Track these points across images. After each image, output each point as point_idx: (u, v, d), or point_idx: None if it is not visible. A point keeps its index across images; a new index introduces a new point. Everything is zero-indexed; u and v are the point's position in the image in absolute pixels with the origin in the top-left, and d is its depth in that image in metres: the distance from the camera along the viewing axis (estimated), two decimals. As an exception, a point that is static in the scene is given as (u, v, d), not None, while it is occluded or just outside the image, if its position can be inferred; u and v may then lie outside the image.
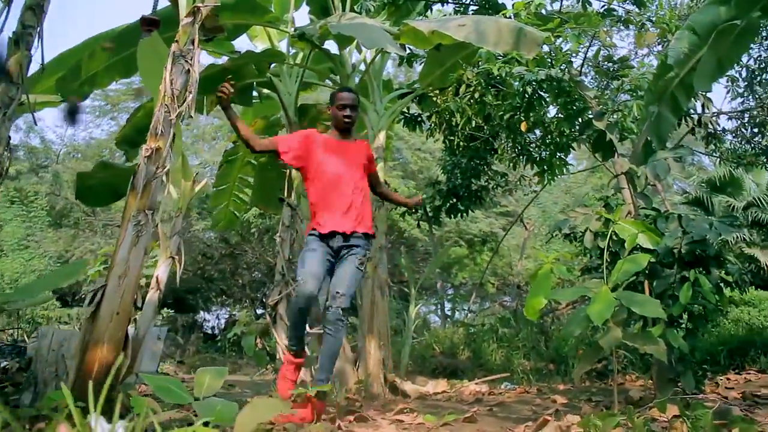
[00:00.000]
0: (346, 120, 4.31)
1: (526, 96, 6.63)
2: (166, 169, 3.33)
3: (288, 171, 7.21)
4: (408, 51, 7.95)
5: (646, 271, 4.77)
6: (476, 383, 6.94)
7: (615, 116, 6.20)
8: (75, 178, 7.54)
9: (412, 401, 5.77)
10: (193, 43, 3.64)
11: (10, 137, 4.10)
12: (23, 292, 2.67)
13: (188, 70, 3.53)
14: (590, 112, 5.44)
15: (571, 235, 5.61)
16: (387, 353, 6.70)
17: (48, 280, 2.73)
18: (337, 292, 4.04)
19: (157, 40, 3.85)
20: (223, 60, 7.46)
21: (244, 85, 7.27)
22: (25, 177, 18.37)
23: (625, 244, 4.15)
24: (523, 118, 7.17)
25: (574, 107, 6.45)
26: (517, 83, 6.70)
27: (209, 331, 24.65)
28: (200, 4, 3.77)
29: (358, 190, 4.27)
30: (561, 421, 3.66)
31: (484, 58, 6.59)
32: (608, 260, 4.29)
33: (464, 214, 10.31)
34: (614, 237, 4.48)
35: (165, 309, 19.10)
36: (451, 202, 9.99)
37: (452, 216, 10.34)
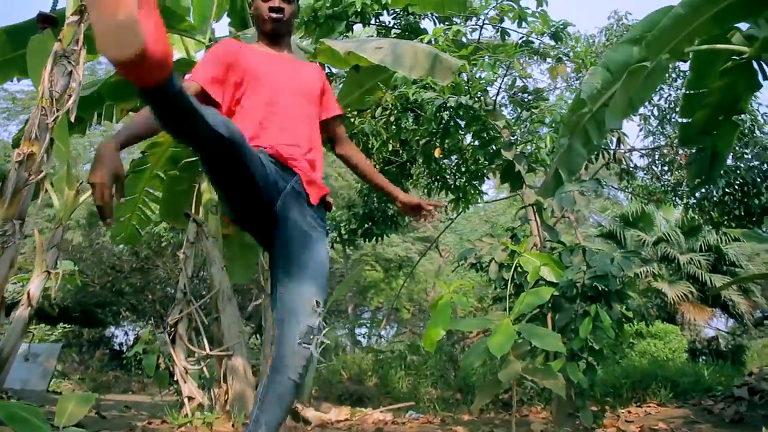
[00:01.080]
0: (275, 17, 2.74)
1: (443, 122, 6.61)
2: (40, 176, 3.08)
3: (197, 185, 6.96)
4: (326, 71, 7.85)
5: (549, 305, 4.75)
6: (381, 411, 6.80)
7: (529, 147, 6.24)
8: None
9: (312, 429, 5.60)
10: (77, 42, 3.41)
11: None
12: None
13: (71, 72, 3.30)
14: (501, 141, 5.44)
15: (477, 264, 5.58)
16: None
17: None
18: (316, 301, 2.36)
19: (49, 37, 3.61)
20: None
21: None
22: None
23: (528, 277, 4.11)
24: (438, 144, 7.15)
25: (487, 135, 6.46)
26: (433, 108, 6.69)
27: (117, 348, 23.82)
28: (84, 2, 3.55)
29: (315, 132, 2.72)
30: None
31: (400, 82, 6.53)
32: (512, 292, 4.25)
33: (380, 239, 10.23)
34: (519, 268, 4.44)
35: (64, 324, 18.33)
36: (366, 225, 9.90)
37: (367, 240, 10.25)
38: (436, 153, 6.80)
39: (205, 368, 6.23)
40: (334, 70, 8.12)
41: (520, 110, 6.41)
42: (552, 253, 4.91)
